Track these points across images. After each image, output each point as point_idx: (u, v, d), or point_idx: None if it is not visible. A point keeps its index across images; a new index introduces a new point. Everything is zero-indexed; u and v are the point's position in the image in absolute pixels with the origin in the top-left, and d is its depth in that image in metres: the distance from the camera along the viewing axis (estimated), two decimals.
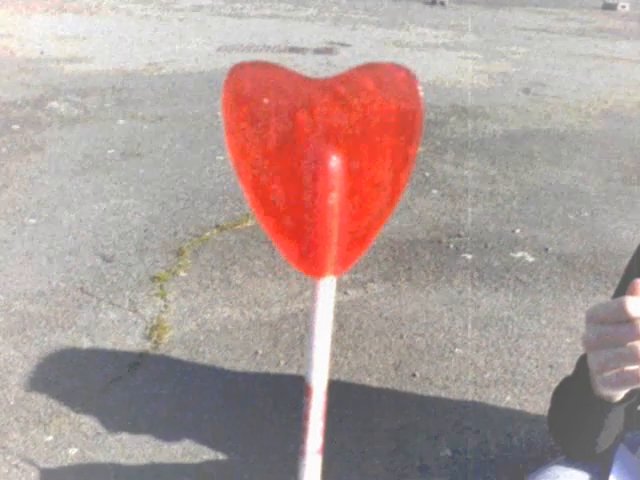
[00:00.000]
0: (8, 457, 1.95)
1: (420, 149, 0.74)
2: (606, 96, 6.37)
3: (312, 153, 0.55)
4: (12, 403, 2.16)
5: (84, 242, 3.21)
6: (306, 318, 2.65)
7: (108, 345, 2.46)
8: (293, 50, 7.79)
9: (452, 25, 10.83)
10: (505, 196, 3.88)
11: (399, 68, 0.54)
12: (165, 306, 2.71)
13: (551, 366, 2.40)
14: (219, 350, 2.45)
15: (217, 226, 3.40)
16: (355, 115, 0.55)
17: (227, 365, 2.37)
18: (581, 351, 0.96)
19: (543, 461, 1.30)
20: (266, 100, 0.56)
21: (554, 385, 1.20)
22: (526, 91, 6.32)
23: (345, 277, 2.88)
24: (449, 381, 2.31)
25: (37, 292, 2.78)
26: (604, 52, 8.87)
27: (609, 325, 0.76)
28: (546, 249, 3.25)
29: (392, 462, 1.96)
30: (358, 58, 7.35)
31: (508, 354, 2.46)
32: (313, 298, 0.60)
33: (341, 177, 0.56)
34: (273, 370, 2.36)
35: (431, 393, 2.26)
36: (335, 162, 0.55)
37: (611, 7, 14.38)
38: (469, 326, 2.62)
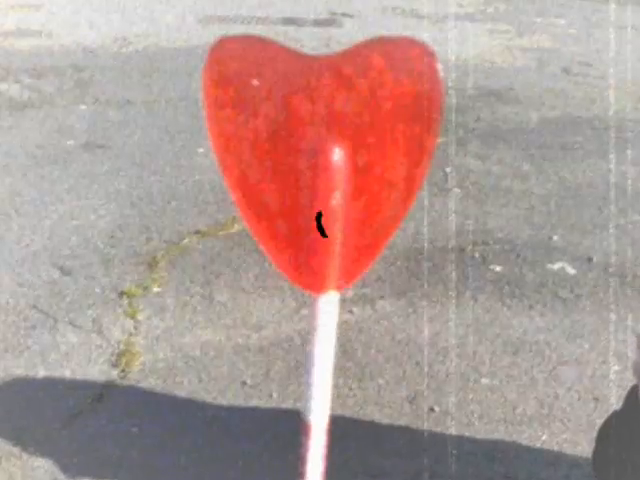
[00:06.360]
0: None
1: (439, 140, 0.74)
2: None
3: (311, 145, 0.55)
4: None
5: (39, 251, 3.21)
6: (304, 342, 2.65)
7: (67, 373, 2.46)
8: (288, 22, 7.81)
9: None
10: (541, 196, 3.89)
11: (414, 43, 0.54)
12: (135, 327, 2.71)
13: (596, 399, 2.39)
14: (199, 380, 2.45)
15: (197, 232, 3.40)
16: (362, 99, 0.55)
17: (209, 398, 2.37)
18: (631, 381, 0.96)
19: None
20: (255, 82, 0.56)
21: (599, 421, 1.20)
22: (567, 71, 6.34)
23: (350, 293, 2.88)
24: (474, 417, 2.31)
25: None
26: None
27: None
28: (590, 259, 3.25)
29: None
30: (365, 31, 7.37)
31: (544, 385, 2.46)
32: (312, 318, 0.60)
33: (346, 174, 0.56)
34: (264, 404, 2.35)
35: (453, 431, 2.25)
36: (338, 156, 0.55)
37: None
38: (498, 352, 2.62)
